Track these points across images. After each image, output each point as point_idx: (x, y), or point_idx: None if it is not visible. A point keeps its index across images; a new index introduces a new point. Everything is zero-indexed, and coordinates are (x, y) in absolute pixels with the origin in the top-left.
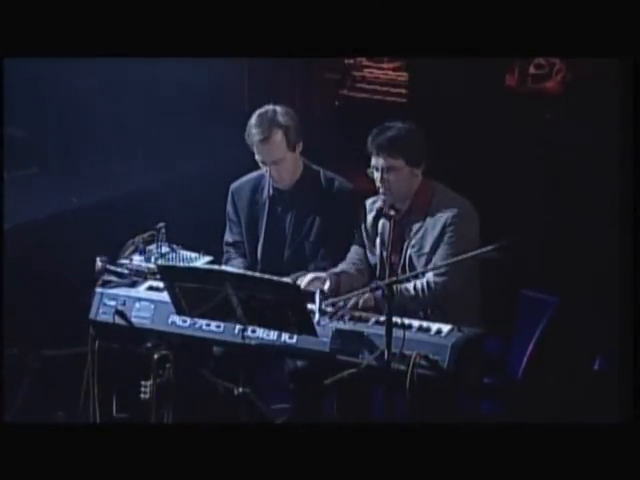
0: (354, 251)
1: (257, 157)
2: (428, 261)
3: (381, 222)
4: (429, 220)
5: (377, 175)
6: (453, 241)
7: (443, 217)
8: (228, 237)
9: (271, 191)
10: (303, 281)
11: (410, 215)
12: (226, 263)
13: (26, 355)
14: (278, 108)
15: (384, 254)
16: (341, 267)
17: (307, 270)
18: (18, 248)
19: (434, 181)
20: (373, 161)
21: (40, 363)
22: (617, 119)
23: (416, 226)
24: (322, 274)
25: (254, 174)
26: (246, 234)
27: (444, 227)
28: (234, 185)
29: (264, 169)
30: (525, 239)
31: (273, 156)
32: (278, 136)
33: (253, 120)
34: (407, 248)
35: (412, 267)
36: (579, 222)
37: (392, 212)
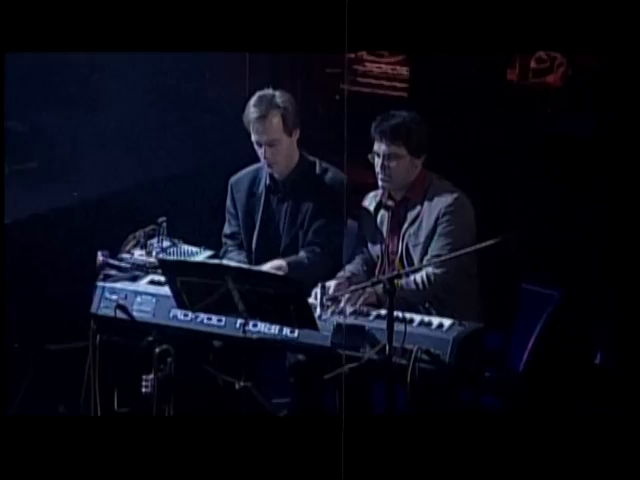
0: (359, 249)
1: (253, 138)
2: (424, 251)
3: (380, 213)
4: (425, 210)
5: (378, 161)
6: (448, 231)
7: (437, 207)
8: (226, 229)
9: (268, 181)
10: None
11: (407, 205)
12: (224, 255)
13: (27, 349)
14: (277, 92)
15: (384, 244)
16: (349, 269)
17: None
18: (19, 243)
19: (430, 172)
20: (375, 146)
21: (41, 357)
22: (618, 113)
23: (412, 215)
24: (336, 281)
25: (253, 167)
26: (243, 225)
27: (438, 217)
28: (233, 178)
29: (259, 152)
30: (525, 233)
31: (269, 135)
32: (275, 117)
33: (252, 100)
34: (404, 238)
35: (409, 257)
36: (580, 216)
37: (390, 202)
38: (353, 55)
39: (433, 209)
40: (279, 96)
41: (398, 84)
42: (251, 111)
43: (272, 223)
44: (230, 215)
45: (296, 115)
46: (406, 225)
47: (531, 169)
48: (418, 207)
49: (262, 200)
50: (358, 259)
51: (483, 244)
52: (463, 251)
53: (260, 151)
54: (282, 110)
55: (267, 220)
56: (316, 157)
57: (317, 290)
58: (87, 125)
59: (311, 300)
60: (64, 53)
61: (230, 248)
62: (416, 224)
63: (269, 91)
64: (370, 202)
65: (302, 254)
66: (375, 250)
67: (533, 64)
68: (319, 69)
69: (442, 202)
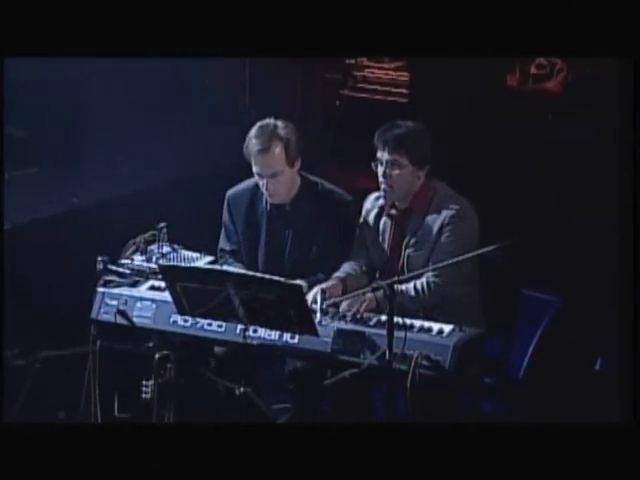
0: (357, 251)
1: (254, 169)
2: (426, 260)
3: (382, 220)
4: (428, 219)
5: (380, 169)
6: (451, 240)
7: (442, 217)
8: (225, 245)
9: (269, 206)
10: (311, 295)
11: (410, 214)
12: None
13: (27, 355)
14: (279, 122)
15: (385, 253)
16: (344, 269)
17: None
18: (18, 248)
19: (434, 180)
20: (378, 154)
21: (41, 363)
22: (618, 119)
23: (415, 225)
24: (330, 282)
25: (251, 181)
26: (244, 243)
27: (442, 227)
28: (230, 192)
29: (260, 182)
30: (526, 239)
31: (271, 168)
32: (277, 148)
33: (253, 131)
34: (406, 247)
35: (410, 266)
36: (579, 222)
37: (393, 211)
38: (353, 61)
39: (437, 219)
40: (281, 127)
41: (398, 90)
42: (252, 143)
43: (276, 244)
44: (228, 231)
45: (298, 144)
46: (409, 235)
47: (531, 175)
48: (422, 216)
49: (264, 222)
50: (355, 260)
51: (481, 250)
52: (461, 257)
53: (262, 182)
54: (284, 141)
55: (272, 244)
56: (316, 164)
57: (317, 295)
58: (86, 131)
59: (310, 301)
60: (64, 59)
61: (229, 261)
62: (419, 234)
63: (270, 121)
64: (372, 205)
65: (320, 276)
66: (376, 256)
67: (533, 70)
68: (319, 75)
69: (446, 212)
